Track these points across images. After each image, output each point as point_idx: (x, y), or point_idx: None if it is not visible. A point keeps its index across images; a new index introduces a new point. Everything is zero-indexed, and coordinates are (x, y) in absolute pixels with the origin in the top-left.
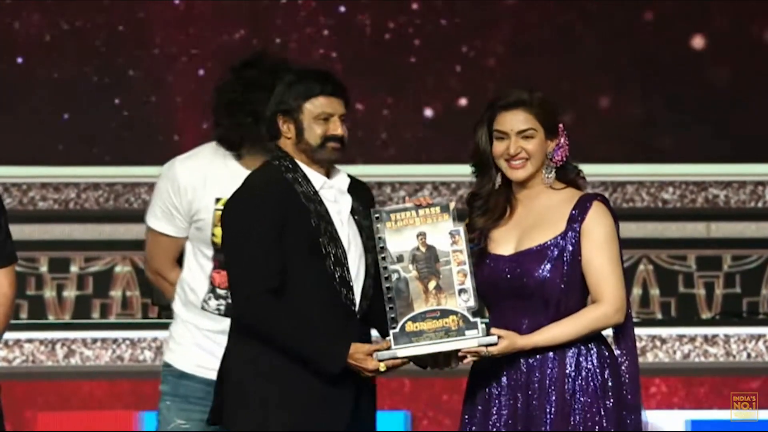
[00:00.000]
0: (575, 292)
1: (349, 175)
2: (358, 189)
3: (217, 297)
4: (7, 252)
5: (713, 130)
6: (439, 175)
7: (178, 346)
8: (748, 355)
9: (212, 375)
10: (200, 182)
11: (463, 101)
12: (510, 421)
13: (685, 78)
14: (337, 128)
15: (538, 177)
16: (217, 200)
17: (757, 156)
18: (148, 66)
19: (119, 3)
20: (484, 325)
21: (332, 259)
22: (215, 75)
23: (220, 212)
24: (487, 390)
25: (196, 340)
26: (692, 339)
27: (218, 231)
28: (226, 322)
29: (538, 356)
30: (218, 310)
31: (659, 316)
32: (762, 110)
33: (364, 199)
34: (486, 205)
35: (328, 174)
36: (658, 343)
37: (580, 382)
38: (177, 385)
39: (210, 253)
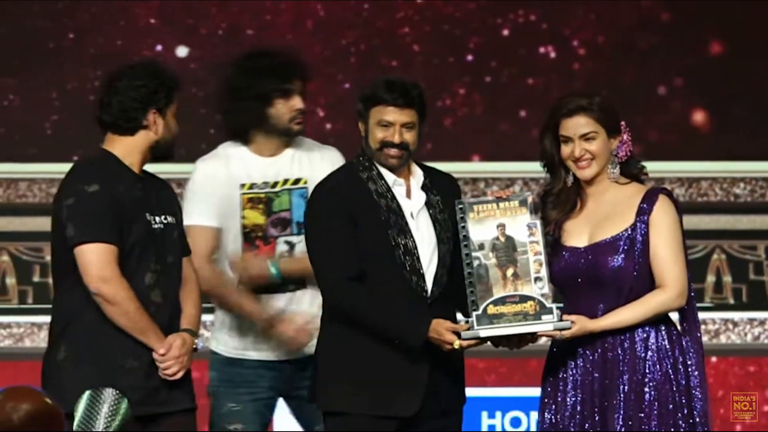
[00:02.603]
0: (645, 279)
1: (434, 170)
2: (442, 183)
3: None
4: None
5: None
6: (530, 171)
7: (220, 333)
8: None
9: (256, 355)
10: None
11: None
12: (587, 398)
13: (755, 77)
14: (395, 136)
15: (604, 173)
16: (242, 186)
17: None
18: None
19: None
20: (558, 311)
21: (402, 249)
22: None
23: (245, 196)
24: (563, 370)
25: (235, 324)
26: (762, 322)
27: (247, 213)
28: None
29: (609, 338)
30: None
31: (731, 301)
32: None
33: (449, 193)
34: (557, 200)
35: (410, 171)
36: (730, 326)
37: (653, 361)
38: (223, 371)
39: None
